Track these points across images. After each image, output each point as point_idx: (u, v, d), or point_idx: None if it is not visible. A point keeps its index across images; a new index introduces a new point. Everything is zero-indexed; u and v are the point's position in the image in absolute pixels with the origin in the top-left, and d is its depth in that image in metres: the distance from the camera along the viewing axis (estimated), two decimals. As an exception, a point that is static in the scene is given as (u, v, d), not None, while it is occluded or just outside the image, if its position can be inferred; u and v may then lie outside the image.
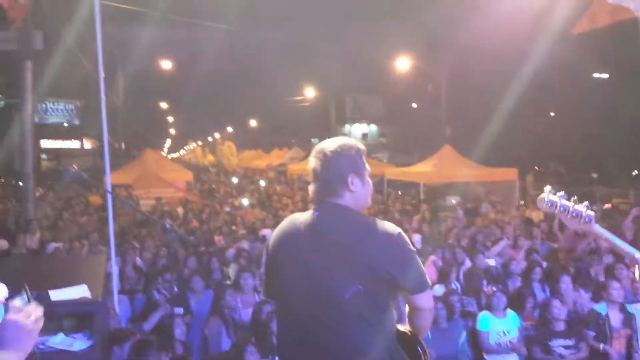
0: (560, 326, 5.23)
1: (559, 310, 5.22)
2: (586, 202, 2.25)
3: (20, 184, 12.20)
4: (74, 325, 3.07)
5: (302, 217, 2.19)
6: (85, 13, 5.67)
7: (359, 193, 2.13)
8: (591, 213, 2.20)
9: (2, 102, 28.95)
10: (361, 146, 2.20)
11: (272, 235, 2.30)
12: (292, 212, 12.98)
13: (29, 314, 1.54)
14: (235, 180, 24.78)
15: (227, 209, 13.62)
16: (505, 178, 15.12)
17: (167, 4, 15.30)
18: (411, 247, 2.09)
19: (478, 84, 31.90)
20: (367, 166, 2.18)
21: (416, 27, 28.84)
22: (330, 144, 2.14)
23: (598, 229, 2.24)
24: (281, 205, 14.98)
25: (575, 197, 2.23)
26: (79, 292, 3.01)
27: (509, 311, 5.45)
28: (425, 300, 2.12)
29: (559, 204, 2.18)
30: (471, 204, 14.57)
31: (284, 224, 2.26)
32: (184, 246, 7.76)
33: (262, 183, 23.08)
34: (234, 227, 10.86)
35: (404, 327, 2.25)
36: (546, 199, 2.18)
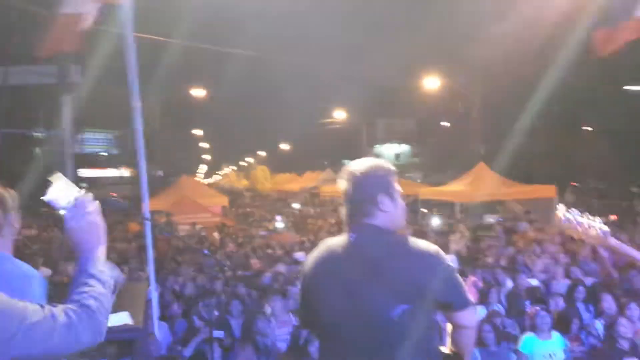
0: (626, 344, 5.02)
1: (626, 328, 5.03)
2: (598, 218, 2.36)
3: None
4: (116, 352, 3.11)
5: (338, 241, 2.15)
6: (119, 45, 5.84)
7: (391, 213, 2.11)
8: (605, 228, 2.29)
9: (42, 135, 30.06)
10: (391, 167, 2.19)
11: (306, 261, 2.26)
12: (327, 234, 12.99)
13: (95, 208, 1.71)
14: (270, 204, 24.93)
15: (263, 232, 13.69)
16: (543, 195, 14.79)
17: (197, 32, 15.65)
18: (451, 264, 2.07)
19: (511, 100, 31.53)
20: (398, 187, 2.16)
21: (444, 45, 28.78)
22: (359, 165, 2.14)
23: (614, 242, 2.34)
24: (316, 228, 14.98)
25: (587, 213, 2.33)
26: (120, 319, 3.04)
27: (554, 332, 5.25)
28: (469, 317, 2.09)
29: (574, 221, 2.21)
30: (509, 223, 14.26)
31: (320, 249, 2.21)
32: (222, 271, 7.81)
33: (296, 206, 23.15)
34: (269, 250, 10.90)
35: (447, 348, 2.20)
36: (562, 217, 2.20)
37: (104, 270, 1.62)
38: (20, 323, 1.32)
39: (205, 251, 5.03)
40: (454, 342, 2.18)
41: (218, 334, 5.03)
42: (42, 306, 1.41)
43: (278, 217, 17.64)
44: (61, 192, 1.63)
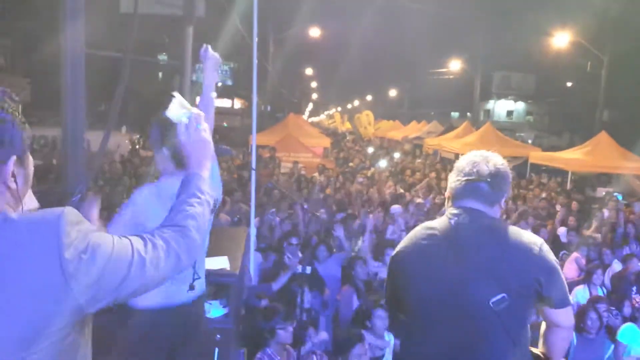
0: None
1: None
2: None
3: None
4: (212, 293, 3.33)
5: (437, 225, 2.11)
6: None
7: (500, 211, 2.18)
8: None
9: (166, 60, 31.76)
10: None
11: (401, 245, 2.21)
12: (425, 190, 12.81)
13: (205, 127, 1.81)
14: (370, 149, 24.89)
15: (360, 179, 13.77)
16: (668, 173, 13.54)
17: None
18: (553, 259, 2.03)
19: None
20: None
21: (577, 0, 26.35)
22: (498, 157, 2.17)
23: None
24: (414, 180, 14.83)
25: None
26: (219, 263, 3.26)
27: None
28: (566, 317, 2.05)
29: None
30: (626, 200, 13.23)
31: (416, 234, 2.16)
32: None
33: (397, 155, 22.94)
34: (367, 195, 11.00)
35: (537, 350, 2.14)
36: None
37: (206, 190, 1.67)
38: (130, 265, 1.34)
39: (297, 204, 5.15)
40: (546, 342, 2.13)
41: (305, 269, 5.14)
42: (142, 238, 1.43)
43: (381, 163, 17.65)
44: (178, 109, 1.77)
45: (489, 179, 2.08)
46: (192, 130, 1.75)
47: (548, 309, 2.01)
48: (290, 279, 5.42)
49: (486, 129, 20.02)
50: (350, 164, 18.80)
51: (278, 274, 5.59)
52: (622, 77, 26.58)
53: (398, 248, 2.21)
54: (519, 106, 55.47)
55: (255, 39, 6.01)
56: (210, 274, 2.62)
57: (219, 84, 36.67)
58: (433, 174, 16.34)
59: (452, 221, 2.06)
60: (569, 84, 43.92)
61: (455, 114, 55.90)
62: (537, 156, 16.99)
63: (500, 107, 55.48)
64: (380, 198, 10.96)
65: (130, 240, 1.39)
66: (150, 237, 1.45)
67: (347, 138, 35.24)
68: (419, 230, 2.17)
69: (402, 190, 12.52)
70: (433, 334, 2.05)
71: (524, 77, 51.70)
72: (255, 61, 5.95)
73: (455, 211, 2.09)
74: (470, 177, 2.09)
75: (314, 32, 25.66)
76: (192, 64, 12.50)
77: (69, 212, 1.29)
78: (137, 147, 18.33)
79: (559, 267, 2.01)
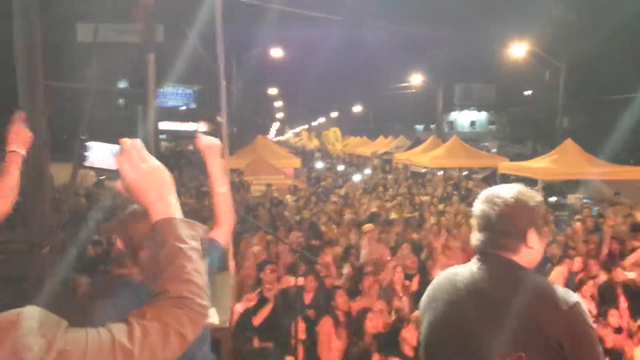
0: None
1: None
2: None
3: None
4: None
5: (461, 272, 1.96)
6: (204, 6, 5.97)
7: (535, 251, 1.90)
8: None
9: (126, 86, 31.22)
10: (541, 198, 1.96)
11: (427, 290, 2.09)
12: (398, 206, 12.71)
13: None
14: (341, 168, 24.82)
15: (334, 198, 13.60)
16: (634, 177, 13.79)
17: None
18: (591, 322, 1.79)
19: (602, 71, 29.38)
20: (550, 221, 1.94)
21: (533, 10, 27.06)
22: (509, 191, 1.91)
23: None
24: (387, 197, 14.74)
25: None
26: None
27: None
28: None
29: None
30: (596, 205, 13.42)
31: (441, 280, 2.03)
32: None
33: (367, 171, 22.91)
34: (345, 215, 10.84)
35: None
36: None
37: (186, 234, 1.31)
38: None
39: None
40: None
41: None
42: (128, 323, 1.14)
43: (355, 178, 17.47)
44: (102, 152, 1.45)
45: (507, 224, 1.88)
46: (133, 160, 1.35)
47: None
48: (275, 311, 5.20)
49: (453, 142, 20.20)
50: (323, 183, 18.63)
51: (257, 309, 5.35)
52: (579, 84, 27.29)
53: (424, 296, 2.08)
54: (482, 116, 56.53)
55: (222, 62, 5.84)
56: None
57: (182, 108, 36.16)
58: (404, 189, 16.32)
59: (477, 269, 1.90)
60: (528, 93, 44.98)
61: (419, 127, 56.56)
62: (506, 166, 17.17)
63: (463, 118, 56.44)
64: (357, 217, 10.80)
65: (111, 332, 1.11)
66: (139, 320, 1.16)
67: (316, 156, 35.16)
68: (443, 276, 2.03)
69: (375, 209, 12.39)
70: None
71: (484, 87, 52.79)
72: (222, 83, 5.77)
73: (480, 258, 1.93)
74: (493, 225, 1.90)
75: (276, 52, 25.59)
76: (154, 90, 12.21)
77: (28, 315, 1.04)
78: (102, 177, 17.75)
79: (593, 331, 1.78)
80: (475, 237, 1.95)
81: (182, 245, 1.29)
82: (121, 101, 36.83)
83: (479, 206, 1.94)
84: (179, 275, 1.26)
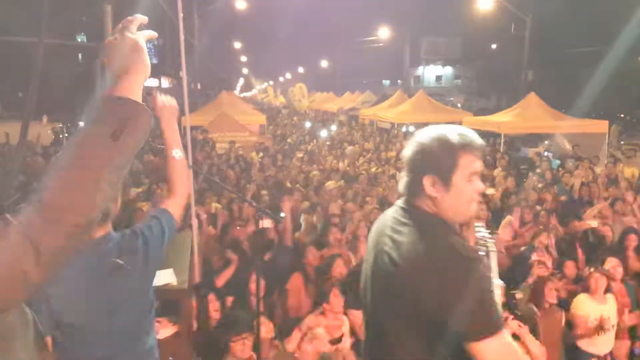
0: None
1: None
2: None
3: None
4: (158, 309, 2.99)
5: (383, 217, 1.92)
6: None
7: (441, 201, 1.72)
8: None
9: (85, 39, 30.03)
10: (464, 142, 1.72)
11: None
12: (365, 164, 12.76)
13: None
14: (307, 124, 24.67)
15: (300, 155, 13.56)
16: (594, 130, 14.10)
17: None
18: (480, 281, 1.58)
19: (567, 24, 29.58)
20: (474, 167, 1.72)
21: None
22: (425, 133, 1.78)
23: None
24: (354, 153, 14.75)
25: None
26: (164, 277, 2.78)
27: (610, 296, 4.81)
28: (489, 350, 1.57)
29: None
30: (557, 158, 13.73)
31: (375, 225, 1.95)
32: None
33: (334, 127, 22.84)
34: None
35: None
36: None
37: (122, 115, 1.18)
38: None
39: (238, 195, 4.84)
40: None
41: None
42: None
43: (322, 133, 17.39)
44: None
45: (413, 167, 1.80)
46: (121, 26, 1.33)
47: (466, 342, 1.65)
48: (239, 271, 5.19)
49: (419, 96, 20.22)
50: (289, 140, 18.52)
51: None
52: (544, 38, 27.45)
53: None
54: (447, 71, 56.65)
55: (181, 14, 5.60)
56: (154, 291, 2.32)
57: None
58: (370, 145, 16.38)
59: (386, 216, 1.90)
60: (494, 46, 45.12)
61: (386, 82, 56.43)
62: (471, 121, 17.29)
63: (430, 73, 56.49)
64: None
65: None
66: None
67: (282, 113, 34.82)
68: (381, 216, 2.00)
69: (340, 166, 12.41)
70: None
71: (450, 41, 52.67)
72: (182, 37, 5.54)
73: (395, 205, 1.89)
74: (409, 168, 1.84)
75: (240, 4, 24.86)
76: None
77: None
78: (61, 136, 17.24)
79: (480, 291, 1.58)
80: (400, 182, 1.87)
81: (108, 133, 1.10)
82: (80, 56, 35.49)
83: (406, 149, 1.84)
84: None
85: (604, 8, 28.41)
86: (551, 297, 4.47)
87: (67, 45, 24.21)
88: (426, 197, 1.74)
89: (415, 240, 1.66)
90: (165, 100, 2.40)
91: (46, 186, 1.06)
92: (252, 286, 4.83)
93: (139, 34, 1.35)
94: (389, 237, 1.75)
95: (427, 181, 1.72)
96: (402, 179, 1.84)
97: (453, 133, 1.73)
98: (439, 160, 1.71)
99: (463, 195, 1.73)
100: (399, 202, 1.85)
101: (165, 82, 43.78)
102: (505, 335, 1.61)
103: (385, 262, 1.71)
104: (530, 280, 4.99)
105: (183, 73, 5.65)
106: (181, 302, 2.88)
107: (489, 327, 1.57)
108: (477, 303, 1.55)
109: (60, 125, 18.45)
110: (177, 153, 2.38)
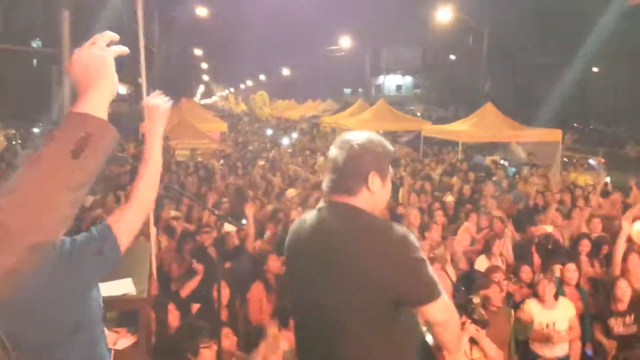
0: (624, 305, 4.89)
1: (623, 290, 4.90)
2: None
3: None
4: (116, 319, 2.96)
5: (309, 217, 2.02)
6: None
7: (377, 195, 1.93)
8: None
9: (39, 45, 29.15)
10: (390, 147, 2.01)
11: (288, 235, 2.13)
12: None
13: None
14: (269, 132, 24.63)
15: (262, 162, 13.51)
16: (548, 139, 14.55)
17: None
18: (416, 253, 1.81)
19: (522, 37, 30.57)
20: (391, 169, 2.00)
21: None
22: (358, 136, 1.95)
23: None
24: (315, 162, 14.80)
25: None
26: (122, 287, 2.73)
27: (562, 300, 4.89)
28: (436, 311, 1.84)
29: None
30: (513, 166, 14.11)
31: (295, 224, 2.10)
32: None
33: (295, 135, 22.88)
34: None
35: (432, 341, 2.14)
36: None
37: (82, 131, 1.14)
38: None
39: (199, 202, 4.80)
40: (434, 337, 2.03)
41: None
42: None
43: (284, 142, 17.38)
44: None
45: (351, 167, 1.91)
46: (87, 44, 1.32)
47: (416, 308, 1.94)
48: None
49: (380, 105, 20.49)
50: (250, 148, 18.44)
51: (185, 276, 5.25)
52: (501, 49, 28.26)
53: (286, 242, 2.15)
54: (407, 80, 57.59)
55: (141, 20, 5.52)
56: (112, 300, 2.27)
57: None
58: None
59: (320, 214, 1.97)
60: (453, 57, 46.17)
61: (347, 90, 56.90)
62: (430, 129, 17.64)
63: (390, 82, 57.28)
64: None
65: None
66: None
67: (244, 120, 34.65)
68: (298, 220, 2.12)
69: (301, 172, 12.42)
70: (299, 335, 2.11)
71: (411, 51, 53.60)
72: (141, 42, 5.45)
73: (325, 202, 1.98)
74: (340, 168, 1.93)
75: (201, 11, 24.71)
76: (70, 50, 11.48)
77: None
78: (14, 143, 16.70)
79: (418, 262, 1.82)
80: (324, 181, 1.99)
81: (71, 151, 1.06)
82: (35, 62, 34.46)
83: (331, 151, 1.97)
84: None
85: (560, 21, 29.54)
86: (497, 300, 4.55)
87: (21, 50, 23.45)
88: (356, 194, 1.90)
89: (357, 229, 1.86)
90: (158, 101, 2.12)
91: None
92: (215, 294, 4.77)
93: (109, 50, 1.35)
94: (331, 233, 1.89)
95: (371, 177, 1.90)
96: (331, 179, 1.95)
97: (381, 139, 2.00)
98: (381, 160, 1.94)
99: (388, 191, 1.99)
100: (325, 203, 1.98)
101: (123, 89, 42.91)
102: (444, 294, 1.86)
103: (335, 256, 1.85)
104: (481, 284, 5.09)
105: (142, 79, 5.56)
106: (140, 312, 2.82)
107: (434, 291, 1.82)
108: (419, 273, 1.81)
109: (14, 131, 17.88)
110: (157, 157, 2.05)
